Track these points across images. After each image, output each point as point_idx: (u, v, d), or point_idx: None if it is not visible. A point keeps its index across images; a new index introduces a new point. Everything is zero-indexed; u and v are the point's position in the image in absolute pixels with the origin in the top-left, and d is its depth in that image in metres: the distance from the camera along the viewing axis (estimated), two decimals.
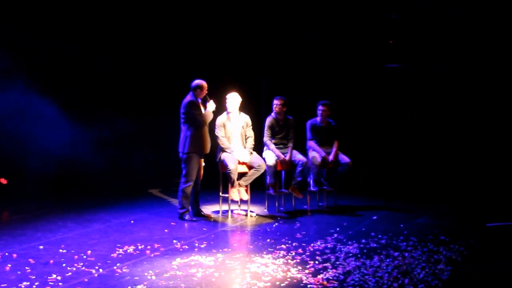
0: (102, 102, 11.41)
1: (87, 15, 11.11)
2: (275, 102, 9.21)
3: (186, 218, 8.53)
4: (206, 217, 8.72)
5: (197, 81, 8.52)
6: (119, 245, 7.03)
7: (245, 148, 8.89)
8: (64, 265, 6.22)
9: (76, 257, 6.52)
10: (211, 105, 8.54)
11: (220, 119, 8.82)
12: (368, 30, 10.67)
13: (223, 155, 8.77)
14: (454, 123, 10.42)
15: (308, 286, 5.66)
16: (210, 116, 8.52)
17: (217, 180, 9.07)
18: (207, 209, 9.12)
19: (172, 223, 8.33)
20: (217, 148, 8.83)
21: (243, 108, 9.05)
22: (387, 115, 10.69)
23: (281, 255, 6.70)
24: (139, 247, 6.97)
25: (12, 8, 10.59)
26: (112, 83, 11.48)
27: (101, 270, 6.07)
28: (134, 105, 11.57)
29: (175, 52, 11.39)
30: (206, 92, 8.54)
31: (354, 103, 10.83)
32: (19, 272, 5.97)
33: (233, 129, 8.89)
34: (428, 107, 10.65)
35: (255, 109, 10.46)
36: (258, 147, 9.23)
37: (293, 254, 6.75)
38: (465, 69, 10.21)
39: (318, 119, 9.47)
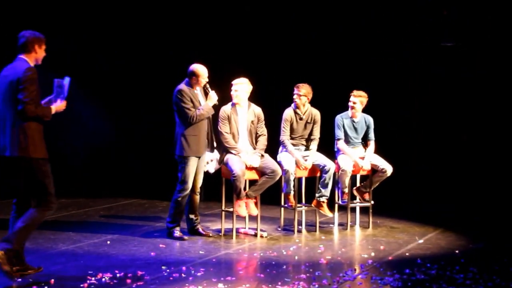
0: (101, 102, 12.31)
1: (87, 15, 12.23)
2: (295, 90, 9.03)
3: (175, 235, 8.34)
4: (205, 236, 8.51)
5: (193, 66, 8.35)
6: (91, 272, 6.79)
7: (255, 149, 8.64)
8: None
9: (34, 287, 6.26)
10: (212, 98, 8.34)
11: (224, 111, 8.59)
12: (368, 29, 11.53)
13: (227, 158, 8.53)
14: (454, 123, 11.18)
15: None
16: (208, 112, 8.32)
17: (218, 189, 8.87)
18: (206, 227, 8.98)
19: (160, 245, 8.10)
20: (220, 147, 8.68)
21: (254, 97, 8.85)
22: (387, 115, 11.26)
23: (300, 287, 6.44)
24: (117, 275, 6.73)
25: (12, 8, 11.52)
26: (111, 83, 12.51)
27: None
28: (134, 105, 12.47)
29: (175, 52, 12.03)
30: (207, 80, 8.36)
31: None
32: None
33: (240, 125, 8.66)
34: (428, 107, 11.38)
35: (270, 97, 10.60)
36: (272, 148, 9.08)
37: (316, 286, 6.48)
38: (465, 69, 11.08)
39: (350, 113, 9.32)
